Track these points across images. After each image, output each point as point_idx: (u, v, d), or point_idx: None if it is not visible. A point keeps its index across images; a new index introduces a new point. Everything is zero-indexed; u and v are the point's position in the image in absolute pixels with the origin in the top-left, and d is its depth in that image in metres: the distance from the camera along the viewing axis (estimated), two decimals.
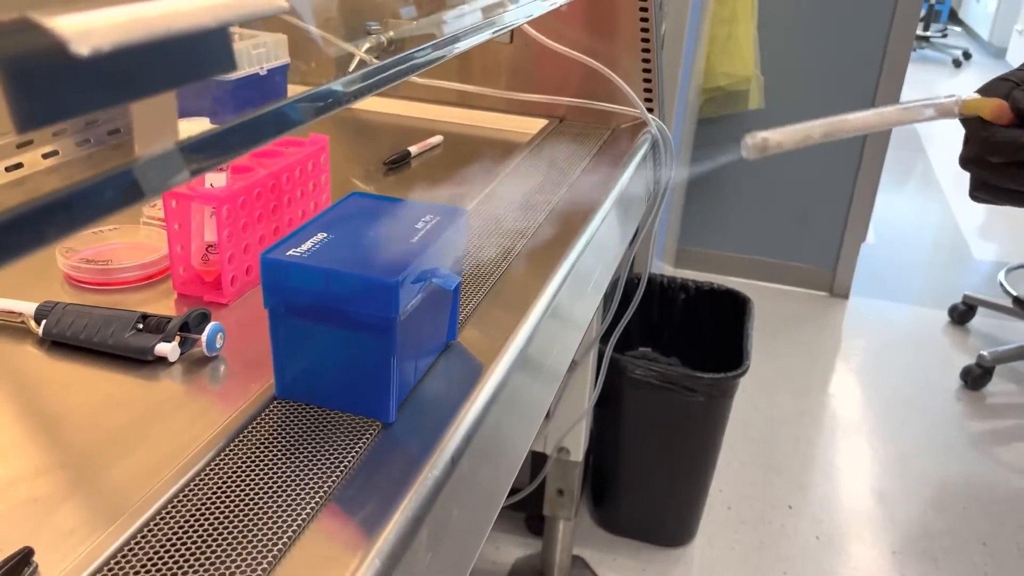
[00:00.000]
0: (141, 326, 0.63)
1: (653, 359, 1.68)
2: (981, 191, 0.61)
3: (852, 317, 2.65)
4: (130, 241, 0.79)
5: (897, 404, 2.20)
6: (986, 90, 0.60)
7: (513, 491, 1.53)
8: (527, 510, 1.57)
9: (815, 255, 2.73)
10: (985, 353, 2.24)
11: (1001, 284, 2.63)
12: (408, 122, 1.27)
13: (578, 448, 1.42)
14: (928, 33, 6.50)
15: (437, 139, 1.16)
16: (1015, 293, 2.49)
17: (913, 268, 3.02)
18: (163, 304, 0.71)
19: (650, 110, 1.20)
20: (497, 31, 0.75)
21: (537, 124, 1.23)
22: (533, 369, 0.74)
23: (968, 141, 0.60)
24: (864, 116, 0.58)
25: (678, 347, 1.82)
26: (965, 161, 0.60)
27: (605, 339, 1.35)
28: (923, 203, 3.72)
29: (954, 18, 7.51)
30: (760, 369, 2.24)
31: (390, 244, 0.54)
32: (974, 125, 0.58)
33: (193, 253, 0.71)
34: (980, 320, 2.58)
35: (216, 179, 0.69)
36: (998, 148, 0.57)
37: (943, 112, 0.58)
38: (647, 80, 1.19)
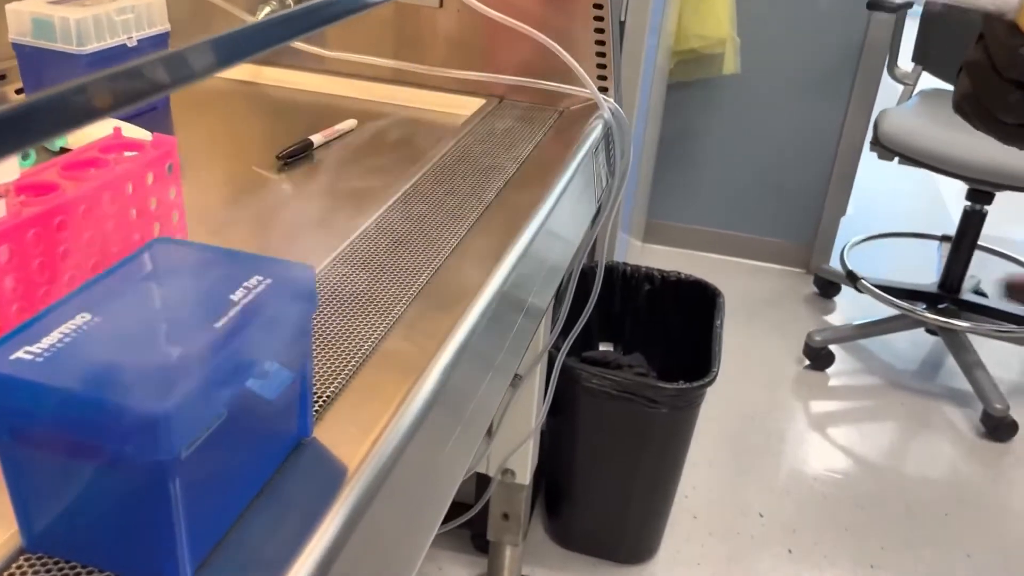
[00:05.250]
0: None
1: (613, 358, 1.52)
2: (968, 104, 0.49)
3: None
4: None
5: (874, 397, 2.07)
6: None
7: (456, 510, 1.38)
8: (473, 528, 1.42)
9: (791, 230, 2.57)
10: (817, 335, 2.14)
11: (842, 260, 2.43)
12: (321, 99, 1.08)
13: (525, 470, 1.26)
14: None
15: (349, 124, 0.97)
16: (850, 267, 2.34)
17: (892, 241, 2.87)
18: None
19: (604, 89, 1.02)
20: None
21: (473, 104, 1.05)
22: (440, 439, 0.57)
23: (981, 41, 0.47)
24: None
25: (641, 342, 1.66)
26: (971, 64, 0.48)
27: (559, 340, 1.19)
28: (901, 168, 3.55)
29: None
30: (729, 356, 2.09)
31: (181, 332, 0.37)
32: (1003, 29, 0.45)
33: None
34: None
35: None
36: (1020, 63, 0.45)
37: (999, 6, 0.47)
38: (601, 55, 1.00)
